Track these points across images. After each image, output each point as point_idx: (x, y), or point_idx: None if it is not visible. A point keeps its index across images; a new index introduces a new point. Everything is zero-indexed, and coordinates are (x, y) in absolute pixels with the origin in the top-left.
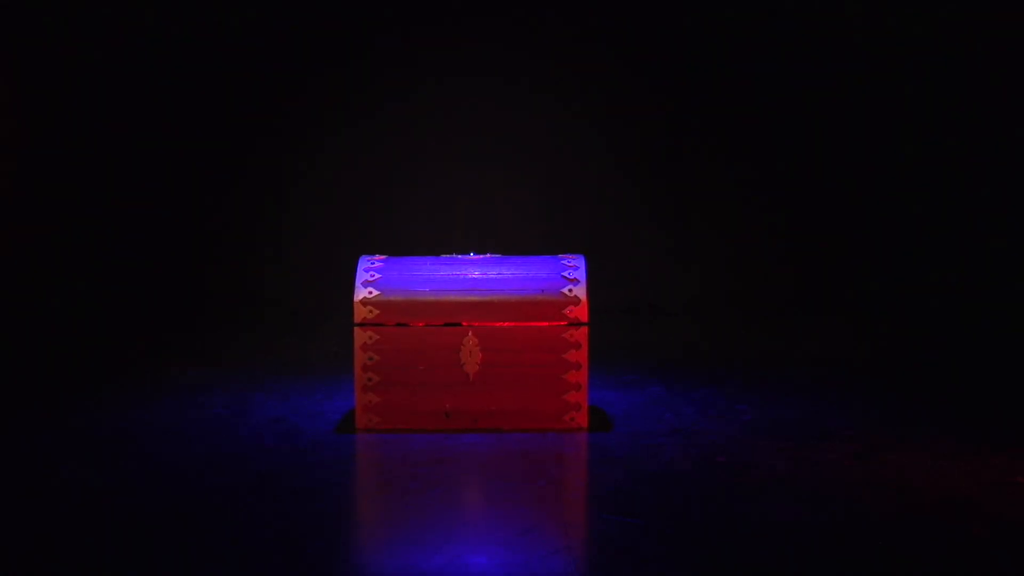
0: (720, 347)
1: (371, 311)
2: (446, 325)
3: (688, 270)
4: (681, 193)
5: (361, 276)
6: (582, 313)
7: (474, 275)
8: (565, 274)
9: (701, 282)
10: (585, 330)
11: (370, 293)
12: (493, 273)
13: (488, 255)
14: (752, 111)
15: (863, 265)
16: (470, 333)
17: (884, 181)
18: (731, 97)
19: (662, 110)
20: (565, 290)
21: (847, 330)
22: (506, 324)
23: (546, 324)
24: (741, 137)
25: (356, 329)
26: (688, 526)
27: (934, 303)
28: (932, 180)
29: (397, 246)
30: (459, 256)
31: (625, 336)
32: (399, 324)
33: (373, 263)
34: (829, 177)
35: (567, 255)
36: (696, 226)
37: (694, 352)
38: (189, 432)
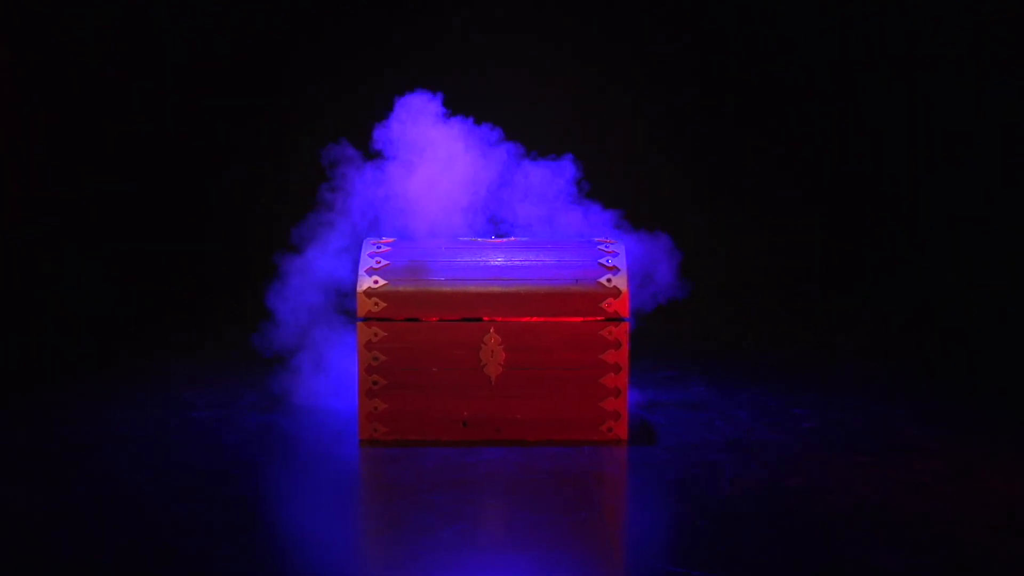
0: (761, 336)
1: (377, 304)
2: (464, 320)
3: (721, 250)
4: (714, 167)
5: (365, 262)
6: (623, 307)
7: (497, 262)
8: (602, 261)
9: (735, 263)
10: (626, 326)
11: (376, 282)
12: (519, 259)
13: (513, 238)
14: (789, 83)
15: (914, 246)
16: (492, 330)
17: (936, 154)
18: (766, 68)
19: (693, 81)
20: (603, 280)
21: (898, 318)
22: (534, 319)
23: (580, 319)
24: (776, 109)
25: (360, 324)
26: None
27: (996, 288)
28: (988, 152)
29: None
30: (479, 239)
31: (655, 323)
32: (409, 319)
33: (380, 247)
34: (873, 150)
35: (604, 239)
36: (730, 201)
37: (734, 342)
38: (161, 440)
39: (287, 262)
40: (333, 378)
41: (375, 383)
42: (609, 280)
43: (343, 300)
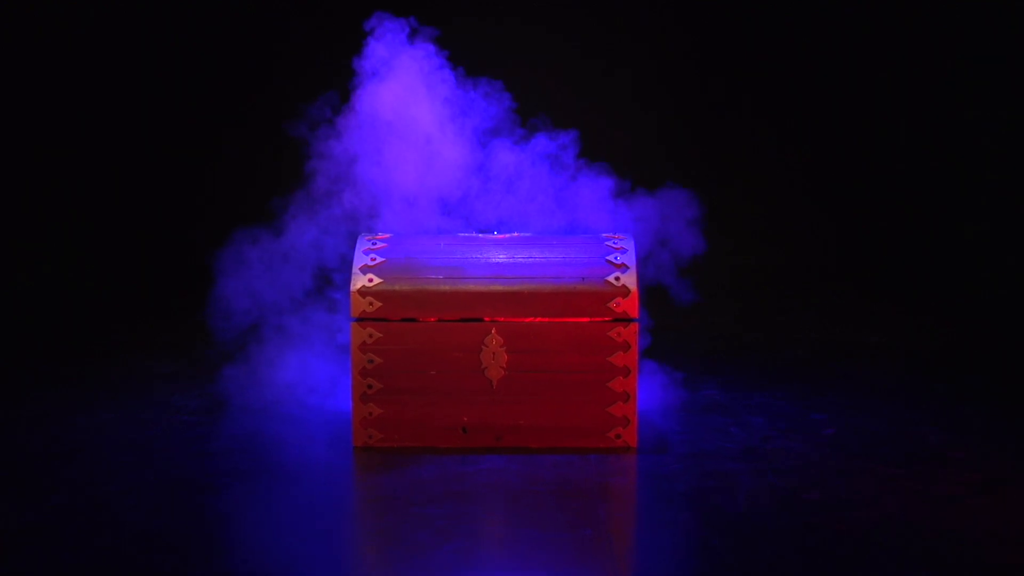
0: (771, 333)
1: (371, 303)
2: (464, 321)
3: (730, 244)
4: (722, 160)
5: (360, 260)
6: (631, 307)
7: (499, 259)
8: (610, 258)
9: (746, 257)
10: (635, 327)
11: (370, 281)
12: (522, 256)
13: (516, 234)
14: (800, 73)
15: (935, 237)
16: (493, 331)
17: (962, 140)
18: (776, 58)
19: (700, 74)
20: (611, 278)
21: (918, 315)
22: (538, 320)
23: (587, 320)
24: (786, 100)
25: (354, 325)
26: None
27: (1014, 282)
28: (1000, 140)
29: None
30: (480, 235)
31: (660, 320)
32: (406, 319)
33: (375, 244)
34: (888, 140)
35: (612, 234)
36: (739, 195)
37: (743, 340)
38: (139, 448)
39: (255, 242)
40: (315, 376)
41: (370, 387)
42: (617, 278)
43: (323, 285)
